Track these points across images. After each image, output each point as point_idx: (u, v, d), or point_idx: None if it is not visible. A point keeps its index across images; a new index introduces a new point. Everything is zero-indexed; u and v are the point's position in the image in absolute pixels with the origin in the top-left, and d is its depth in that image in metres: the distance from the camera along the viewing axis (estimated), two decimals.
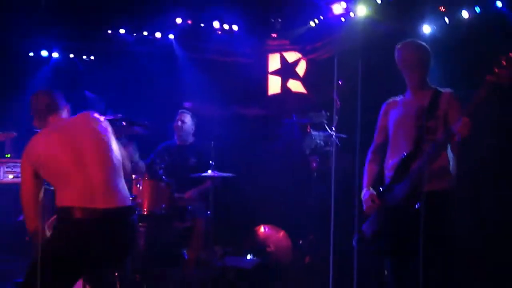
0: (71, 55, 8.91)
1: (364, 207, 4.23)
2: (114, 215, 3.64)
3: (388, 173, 4.18)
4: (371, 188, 4.25)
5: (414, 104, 4.11)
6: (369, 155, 4.43)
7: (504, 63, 3.53)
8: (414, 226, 3.58)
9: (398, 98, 4.32)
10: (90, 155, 3.69)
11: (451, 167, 3.99)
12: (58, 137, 3.77)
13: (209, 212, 6.10)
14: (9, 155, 7.70)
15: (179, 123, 6.69)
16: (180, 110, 6.86)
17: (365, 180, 4.35)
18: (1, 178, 7.53)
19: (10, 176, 7.49)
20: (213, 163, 5.91)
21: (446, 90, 4.09)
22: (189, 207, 5.92)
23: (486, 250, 5.59)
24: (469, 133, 3.61)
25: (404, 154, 4.02)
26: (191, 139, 6.76)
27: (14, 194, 7.27)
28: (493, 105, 4.41)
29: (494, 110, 4.91)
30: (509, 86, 3.57)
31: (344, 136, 6.27)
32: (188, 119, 6.74)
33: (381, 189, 4.18)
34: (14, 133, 6.23)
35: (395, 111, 4.25)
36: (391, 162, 4.17)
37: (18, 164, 7.39)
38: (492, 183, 5.84)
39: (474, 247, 5.41)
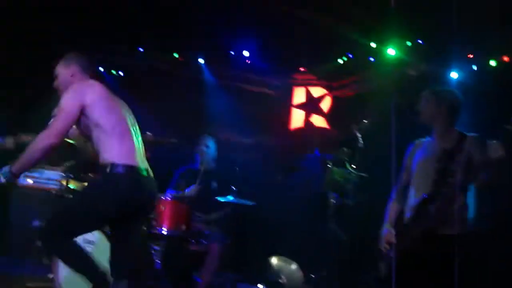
0: (101, 68, 9.02)
1: (381, 244, 4.24)
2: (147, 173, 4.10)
3: (407, 213, 4.17)
4: (390, 227, 4.25)
5: (438, 146, 4.13)
6: (393, 194, 4.42)
7: None
8: (427, 269, 3.65)
9: (424, 140, 4.34)
10: (130, 123, 4.16)
11: (467, 213, 4.00)
12: (110, 93, 4.17)
13: (227, 238, 6.11)
14: None
15: (204, 147, 6.68)
16: (205, 135, 6.87)
17: (386, 218, 4.36)
18: (22, 182, 7.58)
19: (30, 181, 7.53)
20: (235, 189, 5.92)
21: (471, 134, 4.10)
22: (207, 232, 5.92)
23: None
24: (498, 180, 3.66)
25: (423, 195, 4.01)
26: (213, 164, 6.75)
27: (33, 198, 7.44)
28: None
29: None
30: None
31: (364, 174, 6.29)
32: (211, 144, 6.75)
33: (399, 229, 4.17)
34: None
35: (419, 153, 4.27)
36: (411, 202, 4.17)
37: (38, 169, 7.51)
38: None
39: None
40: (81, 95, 3.94)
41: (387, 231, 4.24)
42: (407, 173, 4.34)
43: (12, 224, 7.53)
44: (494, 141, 3.76)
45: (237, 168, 6.05)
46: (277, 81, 8.88)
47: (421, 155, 4.24)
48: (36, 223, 7.01)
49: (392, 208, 4.38)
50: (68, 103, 3.93)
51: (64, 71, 4.26)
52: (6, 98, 7.89)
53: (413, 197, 4.17)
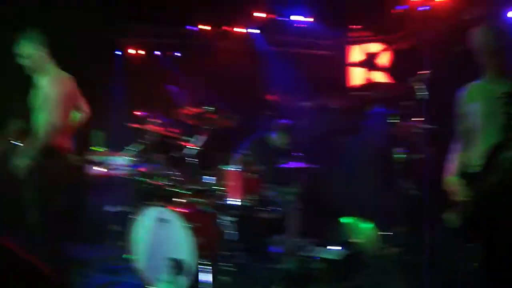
0: (157, 52, 9.12)
1: (450, 195, 4.10)
2: None
3: (475, 162, 3.97)
4: (456, 177, 4.10)
5: (498, 88, 3.88)
6: (454, 143, 4.26)
7: None
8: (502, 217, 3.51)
9: (477, 83, 4.11)
10: None
11: None
12: None
13: (297, 204, 6.11)
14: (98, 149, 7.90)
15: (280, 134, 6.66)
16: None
17: (450, 168, 4.21)
18: (91, 171, 7.76)
19: (101, 169, 7.69)
20: (300, 155, 5.89)
21: None
22: (277, 199, 5.92)
23: None
24: None
25: (492, 143, 3.81)
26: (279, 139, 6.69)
27: (103, 186, 7.63)
28: None
29: None
30: None
31: (430, 126, 6.17)
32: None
33: (468, 177, 4.00)
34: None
35: (477, 97, 4.04)
36: (477, 151, 3.97)
37: (107, 157, 7.67)
38: None
39: None
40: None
41: (453, 182, 4.09)
42: (464, 120, 4.13)
43: (87, 212, 7.74)
44: None
45: (300, 134, 5.97)
46: (332, 41, 8.79)
47: (481, 100, 4.01)
48: (111, 208, 7.21)
49: (454, 158, 4.22)
50: None
51: None
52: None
53: (477, 145, 3.98)
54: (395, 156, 6.63)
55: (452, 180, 4.13)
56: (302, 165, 5.97)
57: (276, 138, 6.64)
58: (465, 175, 4.04)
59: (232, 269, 5.32)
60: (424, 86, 5.88)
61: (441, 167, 4.32)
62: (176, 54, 9.21)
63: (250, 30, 8.63)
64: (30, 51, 4.86)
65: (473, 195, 3.92)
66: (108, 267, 6.14)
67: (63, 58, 5.01)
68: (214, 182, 5.61)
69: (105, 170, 7.65)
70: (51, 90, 4.80)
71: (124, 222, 6.01)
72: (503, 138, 3.78)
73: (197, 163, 5.80)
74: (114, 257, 6.41)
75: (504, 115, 3.79)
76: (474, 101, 4.05)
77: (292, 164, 6.02)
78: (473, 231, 3.93)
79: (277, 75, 8.45)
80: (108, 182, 7.64)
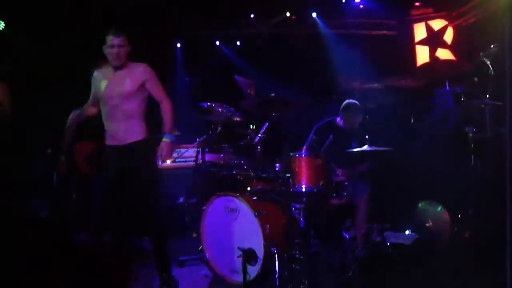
0: (217, 42, 9.16)
1: None
2: None
3: None
4: None
5: None
6: None
7: None
8: None
9: None
10: None
11: None
12: None
13: (369, 188, 6.05)
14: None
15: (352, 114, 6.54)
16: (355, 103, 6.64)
17: None
18: (160, 164, 7.89)
19: (168, 161, 7.81)
20: (368, 138, 5.76)
21: None
22: (346, 184, 5.85)
23: None
24: None
25: None
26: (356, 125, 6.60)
27: (173, 178, 7.73)
28: None
29: None
30: None
31: (499, 103, 5.99)
32: (359, 112, 6.52)
33: None
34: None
35: None
36: None
37: (176, 150, 7.76)
38: None
39: None
40: None
41: None
42: None
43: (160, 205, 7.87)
44: None
45: (367, 116, 5.87)
46: (395, 20, 8.63)
47: None
48: (181, 200, 7.30)
49: None
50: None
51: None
52: None
53: None
54: (468, 135, 6.44)
55: None
56: (372, 148, 5.87)
57: (344, 122, 6.54)
58: None
59: (304, 257, 5.31)
60: (491, 62, 5.72)
61: None
62: (237, 43, 9.23)
63: (312, 15, 8.54)
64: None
65: None
66: (179, 259, 6.20)
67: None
68: (282, 169, 5.58)
69: (174, 162, 7.77)
70: None
71: (195, 213, 6.08)
72: None
73: (265, 150, 5.80)
74: (186, 249, 6.49)
75: None
76: None
77: (362, 148, 5.92)
78: None
79: (343, 58, 8.36)
80: (178, 174, 7.75)
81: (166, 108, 5.13)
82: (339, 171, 5.97)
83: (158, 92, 5.13)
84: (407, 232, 6.45)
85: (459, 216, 6.47)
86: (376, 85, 7.75)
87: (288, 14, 8.60)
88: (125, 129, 5.05)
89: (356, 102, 6.49)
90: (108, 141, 5.16)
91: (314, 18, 8.58)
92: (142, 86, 5.06)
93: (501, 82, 5.51)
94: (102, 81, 5.09)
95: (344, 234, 5.88)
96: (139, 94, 5.08)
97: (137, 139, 5.07)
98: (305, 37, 8.65)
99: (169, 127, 5.12)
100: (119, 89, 5.01)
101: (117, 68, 5.05)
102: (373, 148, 5.66)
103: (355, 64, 8.14)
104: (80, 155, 6.51)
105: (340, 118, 6.56)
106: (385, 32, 8.67)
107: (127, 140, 5.06)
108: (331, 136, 5.91)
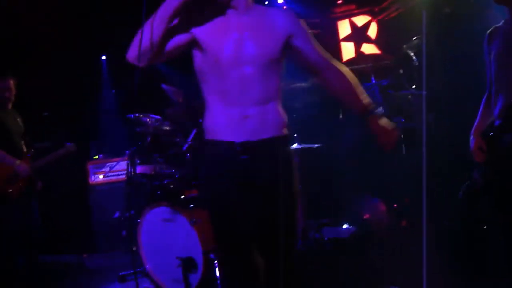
0: None
1: (474, 156, 3.82)
2: None
3: (497, 120, 3.55)
4: (478, 135, 3.77)
5: None
6: (484, 98, 3.87)
7: None
8: None
9: (500, 25, 3.61)
10: None
11: None
12: None
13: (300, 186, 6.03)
14: (96, 157, 7.96)
15: None
16: None
17: (474, 126, 3.88)
18: (92, 180, 7.81)
19: (100, 176, 7.74)
20: (296, 136, 5.76)
21: None
22: None
23: None
24: None
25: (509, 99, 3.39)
26: None
27: (106, 193, 7.64)
28: None
29: None
30: None
31: (424, 92, 6.09)
32: None
33: (490, 134, 3.63)
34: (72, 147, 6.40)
35: (496, 43, 3.57)
36: (497, 106, 3.53)
37: (106, 164, 7.69)
38: None
39: None
40: None
41: (475, 141, 3.81)
42: (491, 72, 3.66)
43: (94, 221, 7.76)
44: None
45: (294, 115, 5.87)
46: (318, 19, 8.69)
47: (498, 47, 3.54)
48: (117, 214, 7.21)
49: (481, 115, 3.87)
50: None
51: None
52: None
53: (498, 100, 3.54)
54: (397, 125, 6.51)
55: (473, 138, 3.86)
56: (301, 146, 5.88)
57: None
58: (484, 134, 3.72)
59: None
60: (415, 53, 5.81)
61: (441, 133, 4.21)
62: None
63: None
64: None
65: (491, 158, 3.64)
66: (119, 274, 6.10)
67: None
68: None
69: (106, 177, 7.69)
70: None
71: (131, 227, 5.99)
72: None
73: (195, 157, 5.75)
74: (125, 263, 6.39)
75: None
76: (492, 47, 3.63)
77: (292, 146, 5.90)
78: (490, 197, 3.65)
79: None
80: (111, 188, 7.66)
81: (343, 72, 3.17)
82: None
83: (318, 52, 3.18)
84: (344, 226, 6.50)
85: (395, 205, 6.57)
86: (303, 84, 7.77)
87: None
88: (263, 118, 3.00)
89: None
90: (222, 135, 3.02)
91: None
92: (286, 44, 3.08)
93: (426, 72, 5.64)
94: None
95: None
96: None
97: (278, 133, 3.06)
98: None
99: (365, 95, 3.19)
100: (257, 50, 2.97)
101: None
102: (302, 145, 5.67)
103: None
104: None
105: None
106: (312, 31, 8.72)
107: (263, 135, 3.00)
108: None
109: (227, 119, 2.95)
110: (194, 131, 5.85)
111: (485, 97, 3.85)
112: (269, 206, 2.92)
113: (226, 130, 2.96)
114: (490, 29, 3.69)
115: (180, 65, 8.69)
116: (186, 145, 5.79)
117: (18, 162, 5.57)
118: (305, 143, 5.83)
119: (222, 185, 2.97)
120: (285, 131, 3.08)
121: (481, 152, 3.72)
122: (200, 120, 5.58)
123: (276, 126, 3.03)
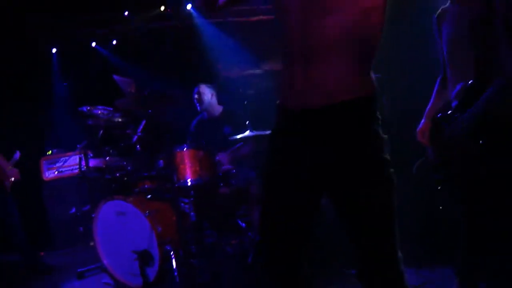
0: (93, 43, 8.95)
1: (417, 136, 3.88)
2: None
3: (454, 101, 3.44)
4: (430, 117, 3.74)
5: (464, 13, 3.35)
6: (438, 79, 3.84)
7: None
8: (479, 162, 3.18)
9: (447, 6, 3.55)
10: None
11: None
12: None
13: (254, 174, 6.01)
14: (50, 152, 7.83)
15: (196, 96, 6.46)
16: (198, 84, 6.61)
17: (428, 107, 3.89)
18: (47, 176, 7.69)
19: (55, 172, 7.63)
20: (249, 123, 5.70)
21: None
22: (233, 171, 5.81)
23: None
24: None
25: (468, 82, 3.27)
26: (218, 109, 6.58)
27: (61, 189, 7.55)
28: None
29: None
30: None
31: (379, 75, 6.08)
32: (206, 90, 6.48)
33: (439, 116, 3.56)
34: (17, 155, 6.36)
35: (446, 26, 3.51)
36: (455, 88, 3.43)
37: (60, 159, 7.58)
38: None
39: None
40: None
41: (422, 123, 3.86)
42: (443, 54, 3.59)
43: (50, 218, 7.65)
44: None
45: (246, 102, 5.81)
46: (268, 5, 8.64)
47: (448, 28, 3.49)
48: (73, 210, 7.12)
49: (435, 97, 3.86)
50: None
51: None
52: None
53: (453, 83, 3.47)
54: None
55: (422, 120, 3.90)
56: (254, 133, 5.81)
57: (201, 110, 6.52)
58: (434, 119, 3.67)
59: (201, 250, 5.26)
60: None
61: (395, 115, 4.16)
62: (114, 42, 9.03)
63: (186, 7, 8.45)
64: None
65: (436, 145, 3.64)
66: (78, 271, 6.03)
67: None
68: (165, 165, 5.49)
69: (59, 172, 7.58)
70: None
71: (89, 221, 5.92)
72: (477, 76, 3.25)
73: (145, 149, 5.69)
74: (84, 259, 6.34)
75: (475, 46, 3.25)
76: (442, 29, 3.59)
77: (244, 134, 5.85)
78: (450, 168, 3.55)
79: (222, 47, 8.31)
80: (66, 184, 7.56)
81: None
82: (220, 156, 5.90)
83: None
84: None
85: None
86: (256, 71, 7.74)
87: (162, 8, 8.46)
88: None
89: (203, 84, 6.48)
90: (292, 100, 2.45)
91: (189, 10, 8.47)
92: None
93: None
94: None
95: (239, 222, 5.85)
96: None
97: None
98: (182, 29, 8.55)
99: None
100: None
101: None
102: (255, 132, 5.63)
103: (233, 52, 8.09)
104: None
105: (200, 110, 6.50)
106: (262, 17, 8.67)
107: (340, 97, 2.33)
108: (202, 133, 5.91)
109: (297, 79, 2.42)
110: (143, 122, 5.80)
111: (439, 78, 3.84)
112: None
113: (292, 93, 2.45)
114: (438, 11, 3.65)
115: (132, 56, 8.69)
116: (135, 137, 5.73)
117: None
118: (259, 129, 5.78)
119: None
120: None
121: (423, 134, 3.80)
122: (150, 111, 5.57)
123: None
